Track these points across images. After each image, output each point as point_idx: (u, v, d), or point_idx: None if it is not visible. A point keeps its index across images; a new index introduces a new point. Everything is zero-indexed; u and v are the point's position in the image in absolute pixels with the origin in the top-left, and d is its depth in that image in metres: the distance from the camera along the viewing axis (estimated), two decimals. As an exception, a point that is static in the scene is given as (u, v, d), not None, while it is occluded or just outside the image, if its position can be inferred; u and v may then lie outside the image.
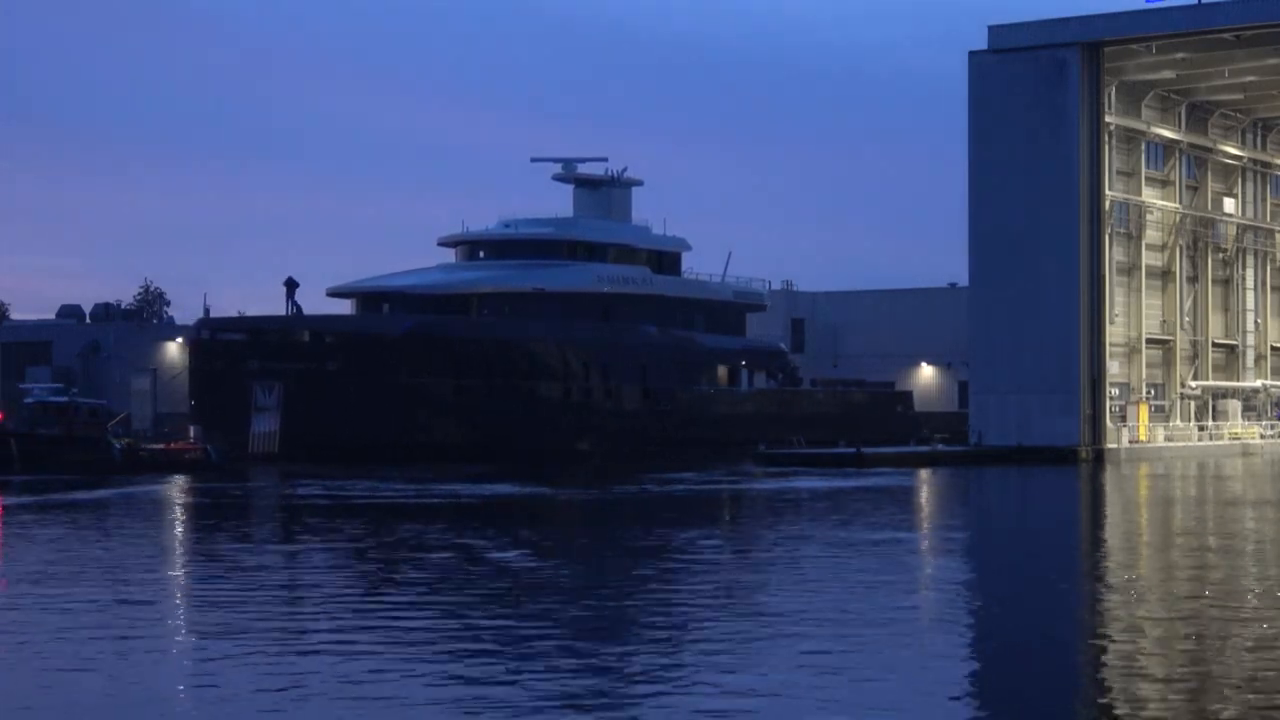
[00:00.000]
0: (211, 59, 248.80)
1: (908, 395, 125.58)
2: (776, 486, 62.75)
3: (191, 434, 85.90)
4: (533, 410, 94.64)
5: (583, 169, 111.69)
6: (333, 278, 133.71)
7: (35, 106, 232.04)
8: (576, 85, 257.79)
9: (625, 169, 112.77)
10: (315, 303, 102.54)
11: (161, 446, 79.83)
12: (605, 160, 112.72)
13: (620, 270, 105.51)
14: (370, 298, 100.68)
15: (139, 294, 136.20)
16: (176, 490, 60.07)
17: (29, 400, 76.94)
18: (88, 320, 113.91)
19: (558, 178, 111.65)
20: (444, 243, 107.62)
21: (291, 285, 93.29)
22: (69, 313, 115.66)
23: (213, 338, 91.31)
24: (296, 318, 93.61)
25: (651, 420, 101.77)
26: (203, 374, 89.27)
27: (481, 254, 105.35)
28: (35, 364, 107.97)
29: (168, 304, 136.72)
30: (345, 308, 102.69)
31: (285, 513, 50.93)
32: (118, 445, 75.44)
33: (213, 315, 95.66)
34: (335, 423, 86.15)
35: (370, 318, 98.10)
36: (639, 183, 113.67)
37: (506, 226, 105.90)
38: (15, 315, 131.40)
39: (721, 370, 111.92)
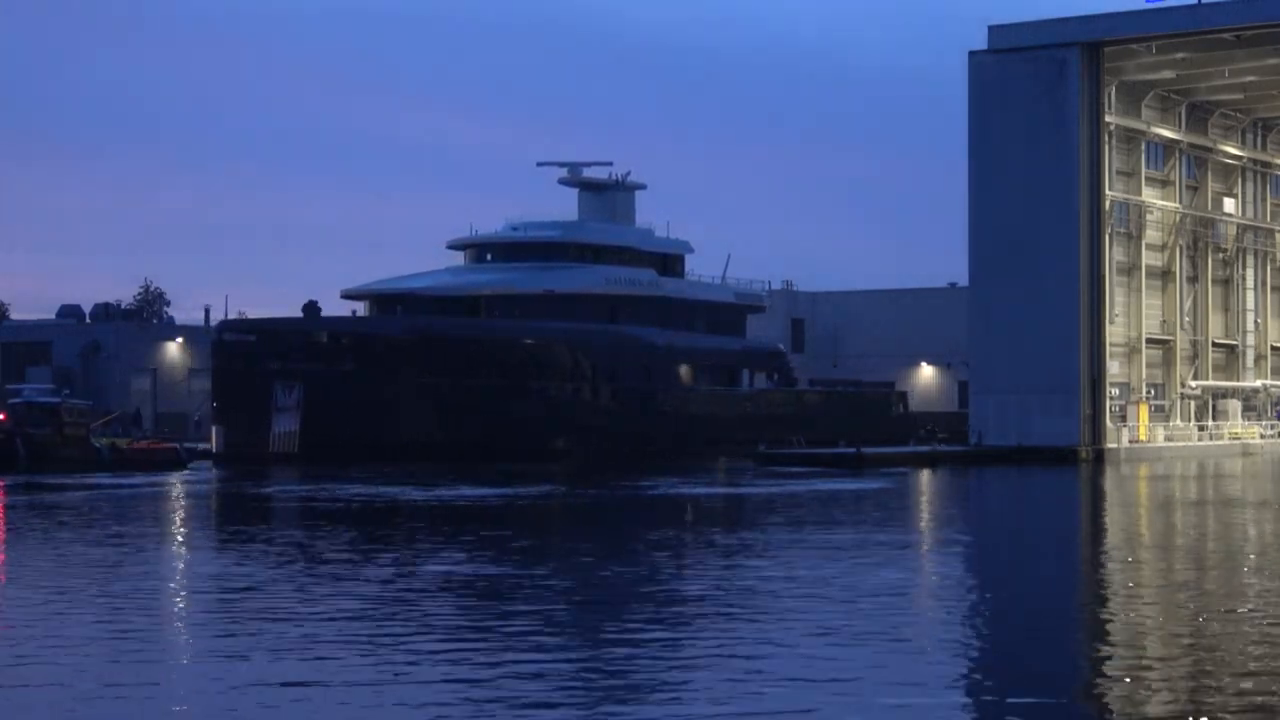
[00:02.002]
0: (218, 64, 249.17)
1: (904, 395, 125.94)
2: (791, 489, 62.74)
3: (215, 434, 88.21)
4: (539, 410, 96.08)
5: (588, 173, 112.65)
6: (340, 279, 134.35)
7: (36, 108, 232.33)
8: (580, 90, 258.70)
9: (629, 173, 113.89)
10: (331, 305, 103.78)
11: (126, 445, 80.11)
12: (610, 165, 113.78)
13: (626, 273, 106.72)
14: (384, 299, 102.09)
15: (139, 294, 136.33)
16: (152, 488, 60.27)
17: (15, 401, 77.18)
18: (88, 320, 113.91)
19: (563, 181, 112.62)
20: (453, 245, 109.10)
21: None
22: (69, 313, 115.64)
23: (234, 339, 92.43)
24: (316, 320, 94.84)
25: (655, 421, 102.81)
26: (224, 374, 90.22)
27: (489, 256, 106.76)
28: (35, 364, 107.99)
29: (168, 304, 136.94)
30: (360, 309, 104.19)
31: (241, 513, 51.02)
32: (98, 445, 76.25)
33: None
34: (339, 424, 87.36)
35: (380, 320, 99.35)
36: (642, 186, 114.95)
37: (514, 229, 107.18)
38: (15, 315, 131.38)
39: (720, 371, 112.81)
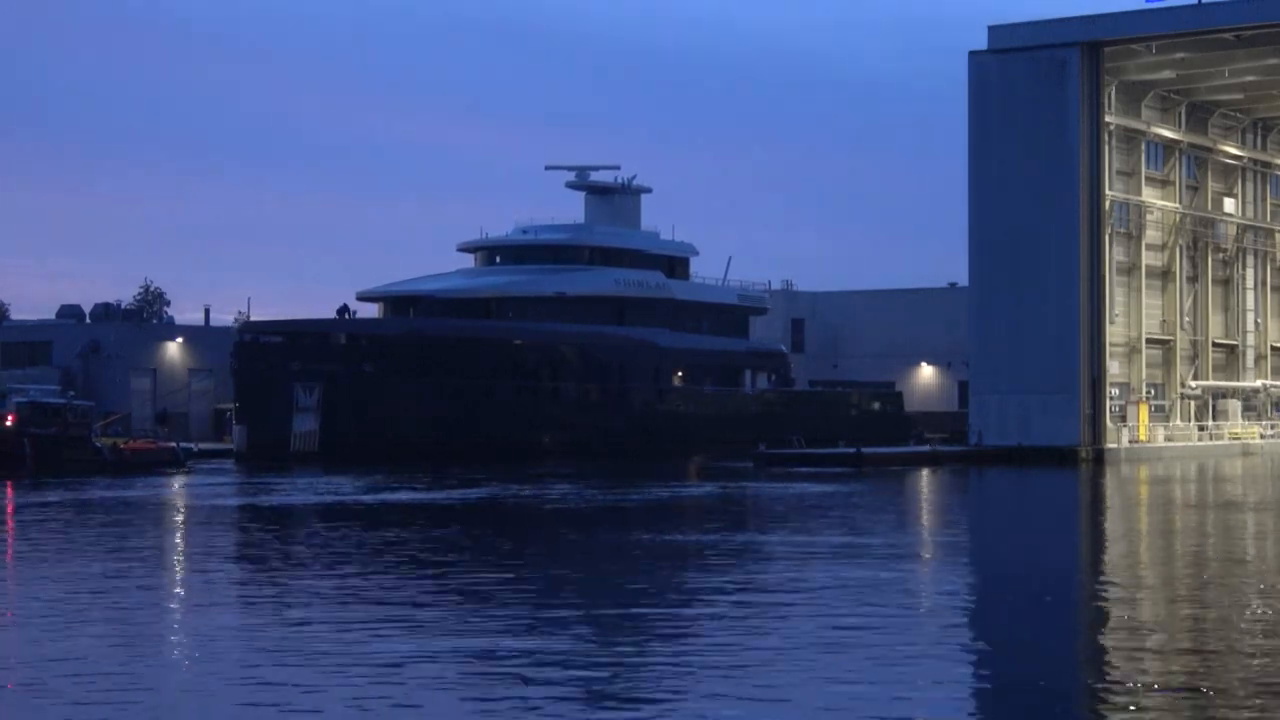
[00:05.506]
0: (225, 66, 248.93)
1: (898, 396, 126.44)
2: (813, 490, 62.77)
3: (236, 433, 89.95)
4: (552, 411, 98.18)
5: (595, 176, 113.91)
6: (352, 281, 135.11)
7: (37, 109, 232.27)
8: (585, 96, 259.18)
9: (635, 176, 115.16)
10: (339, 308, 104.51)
11: (125, 445, 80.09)
12: (618, 168, 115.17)
13: (635, 275, 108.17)
14: (398, 301, 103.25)
15: (139, 294, 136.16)
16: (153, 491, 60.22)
17: (20, 400, 77.25)
18: (88, 320, 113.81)
19: (571, 185, 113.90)
20: (464, 248, 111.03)
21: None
22: (69, 313, 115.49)
23: (255, 340, 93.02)
24: (333, 321, 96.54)
25: (662, 422, 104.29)
26: (245, 375, 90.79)
27: (498, 259, 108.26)
28: (35, 364, 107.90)
29: (168, 304, 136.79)
30: (374, 311, 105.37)
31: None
32: (100, 445, 76.51)
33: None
34: (357, 423, 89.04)
35: (396, 321, 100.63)
36: (648, 190, 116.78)
37: (525, 232, 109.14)
38: (15, 315, 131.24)
39: (725, 372, 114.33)
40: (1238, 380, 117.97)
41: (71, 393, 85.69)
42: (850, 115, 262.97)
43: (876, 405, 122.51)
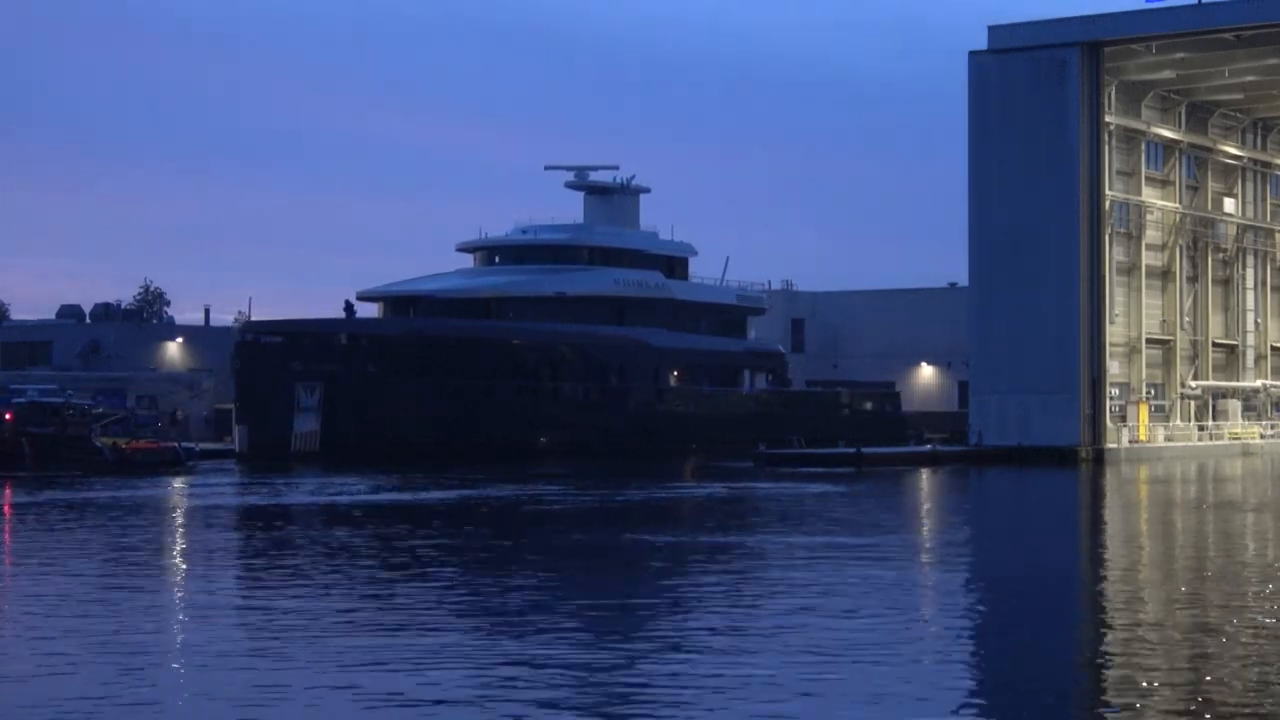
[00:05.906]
0: (226, 67, 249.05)
1: (896, 395, 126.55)
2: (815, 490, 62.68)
3: (238, 434, 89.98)
4: (552, 411, 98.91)
5: (594, 176, 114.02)
6: (351, 281, 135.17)
7: (37, 109, 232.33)
8: (584, 96, 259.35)
9: (634, 176, 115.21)
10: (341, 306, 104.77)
11: (126, 445, 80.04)
12: (616, 168, 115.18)
13: (635, 275, 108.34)
14: (398, 301, 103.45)
15: (139, 294, 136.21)
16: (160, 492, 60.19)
17: (19, 400, 77.32)
18: (88, 320, 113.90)
19: (570, 185, 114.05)
20: (464, 248, 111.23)
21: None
22: (69, 313, 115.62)
23: (256, 340, 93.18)
24: (334, 321, 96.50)
25: (661, 420, 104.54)
26: (246, 375, 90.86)
27: (498, 259, 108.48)
28: (35, 364, 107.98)
29: (168, 304, 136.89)
30: (374, 311, 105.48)
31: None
32: (100, 445, 76.53)
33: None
34: (358, 424, 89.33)
35: (397, 321, 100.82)
36: (647, 190, 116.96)
37: (524, 233, 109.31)
38: (15, 315, 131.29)
39: (723, 372, 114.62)
40: (1238, 380, 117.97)
41: (70, 392, 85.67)
42: (850, 115, 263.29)
43: (874, 405, 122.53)
